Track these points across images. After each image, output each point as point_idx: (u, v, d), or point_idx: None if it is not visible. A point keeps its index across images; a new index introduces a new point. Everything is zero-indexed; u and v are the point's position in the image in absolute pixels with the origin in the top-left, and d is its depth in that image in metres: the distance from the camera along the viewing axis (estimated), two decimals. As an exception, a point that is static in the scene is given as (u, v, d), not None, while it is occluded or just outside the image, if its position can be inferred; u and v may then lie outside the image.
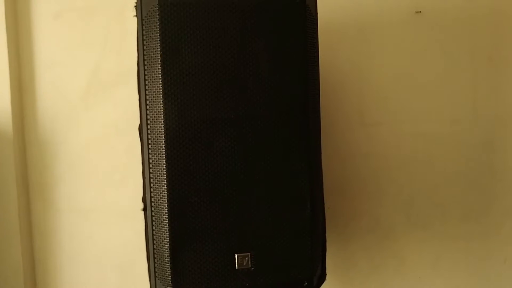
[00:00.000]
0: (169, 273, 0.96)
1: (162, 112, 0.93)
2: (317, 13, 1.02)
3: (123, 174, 1.36)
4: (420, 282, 1.44)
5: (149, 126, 0.96)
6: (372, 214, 1.42)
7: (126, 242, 1.38)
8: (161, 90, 0.93)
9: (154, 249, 0.98)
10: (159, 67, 0.93)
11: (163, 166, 0.94)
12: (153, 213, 0.97)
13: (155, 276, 0.99)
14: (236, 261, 0.97)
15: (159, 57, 0.93)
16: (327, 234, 1.11)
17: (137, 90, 1.00)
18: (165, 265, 0.96)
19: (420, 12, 1.38)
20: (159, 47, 0.93)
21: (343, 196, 1.40)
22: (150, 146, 0.96)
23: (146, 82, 0.95)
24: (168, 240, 0.95)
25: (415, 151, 1.41)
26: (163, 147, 0.94)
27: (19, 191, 1.32)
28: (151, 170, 0.96)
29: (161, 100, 0.93)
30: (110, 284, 1.39)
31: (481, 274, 1.46)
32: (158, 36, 0.93)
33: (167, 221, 0.95)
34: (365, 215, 1.42)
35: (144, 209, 1.01)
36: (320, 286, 1.06)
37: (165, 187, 0.94)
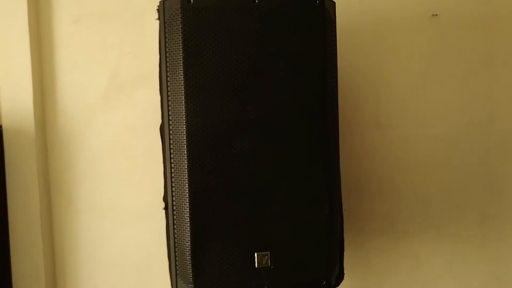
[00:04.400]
0: (190, 271, 0.97)
1: (184, 113, 0.95)
2: (335, 16, 1.03)
3: (141, 174, 1.38)
4: (435, 283, 1.45)
5: (171, 127, 0.97)
6: (388, 215, 1.42)
7: (144, 241, 1.39)
8: (183, 92, 0.95)
9: (175, 247, 1.00)
10: (181, 69, 0.95)
11: (184, 166, 0.96)
12: (174, 212, 0.98)
13: (176, 274, 1.00)
14: (256, 259, 0.98)
15: (181, 59, 0.95)
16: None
17: (158, 92, 1.02)
18: (186, 263, 0.98)
19: (436, 15, 1.39)
20: (181, 49, 0.95)
21: (359, 197, 1.41)
22: (171, 146, 0.98)
23: (168, 84, 0.97)
24: (189, 239, 0.97)
25: (430, 153, 1.41)
26: (185, 147, 0.95)
27: (41, 191, 1.34)
28: (172, 170, 0.98)
29: (183, 101, 0.95)
30: (128, 282, 1.41)
31: (496, 276, 1.46)
32: (181, 39, 0.94)
33: (188, 219, 0.96)
34: (381, 216, 1.42)
35: (165, 208, 1.02)
36: (338, 285, 1.07)
37: (187, 186, 0.96)
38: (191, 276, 0.97)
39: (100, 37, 1.37)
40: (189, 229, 0.96)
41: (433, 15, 1.39)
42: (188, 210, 0.96)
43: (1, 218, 1.32)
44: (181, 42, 0.95)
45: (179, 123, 0.96)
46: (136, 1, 1.36)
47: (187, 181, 0.96)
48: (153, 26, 1.00)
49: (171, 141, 0.98)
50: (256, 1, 0.96)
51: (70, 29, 1.37)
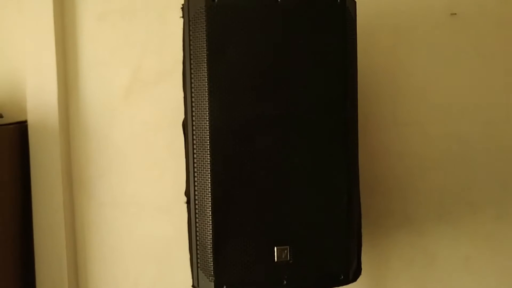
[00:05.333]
0: (211, 264, 0.99)
1: (207, 109, 0.97)
2: (356, 15, 1.04)
3: (162, 169, 1.40)
4: (451, 280, 1.45)
5: (194, 123, 0.99)
6: (405, 211, 1.43)
7: (164, 235, 1.41)
8: (206, 88, 0.97)
9: (197, 241, 1.01)
10: (205, 66, 0.97)
11: (207, 161, 0.98)
12: (196, 206, 1.00)
13: (198, 267, 1.02)
14: (275, 253, 1.00)
15: (205, 56, 0.96)
16: (360, 231, 1.13)
17: (179, 88, 1.04)
18: (208, 256, 0.99)
19: (455, 14, 1.39)
20: (205, 47, 0.96)
21: (376, 193, 1.42)
22: (194, 142, 0.99)
23: (192, 80, 0.99)
24: (210, 232, 0.98)
25: (447, 151, 1.42)
26: (208, 143, 0.97)
27: (64, 185, 1.36)
28: (195, 165, 1.00)
29: (207, 98, 0.97)
30: (148, 275, 1.43)
31: (512, 273, 1.47)
32: (205, 37, 0.96)
33: (210, 214, 0.98)
34: (397, 212, 1.43)
35: (188, 202, 1.04)
36: (356, 280, 1.08)
37: (209, 181, 0.98)
38: (212, 269, 0.99)
39: (124, 33, 1.39)
40: (210, 223, 0.98)
41: (452, 14, 1.39)
42: (210, 205, 0.98)
43: (25, 212, 1.34)
44: (205, 40, 0.96)
45: (203, 120, 0.98)
46: (160, -1, 1.38)
47: (209, 176, 0.97)
48: (176, 23, 1.02)
49: (194, 137, 0.99)
50: (279, 0, 0.98)
51: (94, 25, 1.39)
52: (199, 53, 0.97)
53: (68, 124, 1.39)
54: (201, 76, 0.97)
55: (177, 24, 1.02)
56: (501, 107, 1.42)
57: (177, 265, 1.39)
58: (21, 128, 1.33)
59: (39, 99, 1.34)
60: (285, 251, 1.00)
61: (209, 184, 0.98)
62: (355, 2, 1.04)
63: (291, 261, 1.01)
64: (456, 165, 1.43)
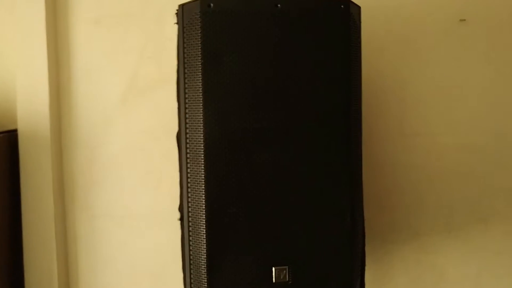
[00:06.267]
0: (206, 285, 0.94)
1: (201, 121, 0.92)
2: (360, 21, 1.00)
3: (158, 180, 1.37)
4: (460, 299, 1.41)
5: (188, 135, 0.95)
6: (411, 226, 1.39)
7: (160, 249, 1.37)
8: (201, 98, 0.92)
9: (190, 260, 0.97)
10: (200, 75, 0.92)
11: (201, 176, 0.93)
12: (190, 224, 0.96)
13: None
14: (274, 274, 0.95)
15: (200, 65, 0.92)
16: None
17: (175, 97, 1.00)
18: (202, 277, 0.95)
19: (464, 20, 1.35)
20: (200, 54, 0.92)
21: (381, 207, 1.38)
22: (188, 156, 0.95)
23: (186, 90, 0.94)
24: (205, 251, 0.94)
25: (457, 163, 1.38)
26: (202, 156, 0.93)
27: (55, 195, 1.33)
28: (189, 180, 0.95)
29: (201, 109, 0.92)
30: (142, 290, 1.40)
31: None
32: (199, 44, 0.92)
33: (204, 232, 0.93)
34: (404, 227, 1.39)
35: (181, 219, 1.00)
36: (359, 301, 1.04)
37: (203, 197, 0.93)
38: (206, 290, 0.95)
39: (119, 39, 1.35)
40: (205, 243, 0.93)
41: (461, 20, 1.35)
42: (204, 223, 0.93)
43: (15, 223, 1.31)
44: (200, 47, 0.92)
45: (197, 131, 0.93)
46: (157, 3, 1.34)
47: (203, 192, 0.93)
48: (174, 28, 0.98)
49: (188, 150, 0.95)
50: (279, 5, 0.93)
51: (89, 30, 1.35)
52: (194, 61, 0.93)
53: (60, 133, 1.36)
54: (196, 86, 0.93)
55: (175, 29, 0.98)
56: (513, 117, 1.37)
57: (172, 280, 1.35)
58: (10, 137, 1.30)
59: (30, 107, 1.30)
60: (284, 271, 0.96)
61: (204, 200, 0.93)
62: (360, 8, 1.00)
63: (290, 282, 0.96)
64: (465, 178, 1.38)
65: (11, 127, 1.32)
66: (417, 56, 1.36)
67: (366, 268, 1.08)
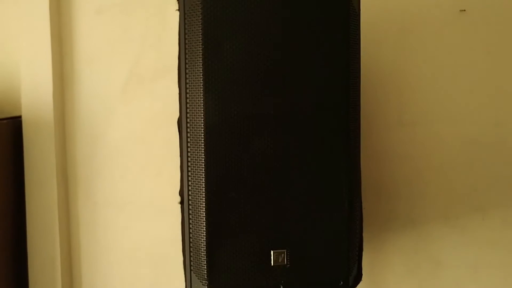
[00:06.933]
0: (205, 268, 0.96)
1: (202, 107, 0.93)
2: (360, 10, 1.00)
3: (159, 168, 1.37)
4: (457, 288, 1.41)
5: (188, 120, 0.96)
6: (409, 215, 1.39)
7: (161, 235, 1.38)
8: (202, 85, 0.93)
9: (190, 243, 0.98)
10: (201, 61, 0.93)
11: (201, 160, 0.94)
12: (190, 207, 0.97)
13: (191, 270, 0.99)
14: (272, 257, 0.96)
15: (201, 51, 0.93)
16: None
17: (177, 84, 1.01)
18: (201, 259, 0.96)
19: (464, 10, 1.34)
20: (201, 41, 0.93)
21: (379, 196, 1.38)
22: (189, 140, 0.96)
23: (187, 76, 0.95)
24: (204, 235, 0.95)
25: (455, 153, 1.37)
26: (202, 141, 0.94)
27: (59, 183, 1.34)
28: (189, 164, 0.96)
29: (202, 95, 0.93)
30: (143, 276, 1.41)
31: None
32: (200, 31, 0.92)
33: (204, 215, 0.95)
34: (401, 216, 1.39)
35: (181, 203, 1.01)
36: (356, 286, 1.05)
37: (203, 181, 0.94)
38: (205, 272, 0.96)
39: (122, 28, 1.36)
40: (204, 225, 0.95)
41: (461, 10, 1.35)
42: (204, 206, 0.95)
43: (18, 210, 1.32)
44: (201, 34, 0.93)
45: (197, 117, 0.94)
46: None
47: (203, 176, 0.94)
48: (176, 17, 0.98)
49: (189, 135, 0.96)
50: (279, -7, 0.94)
51: (92, 20, 1.36)
52: (195, 48, 0.94)
53: (64, 120, 1.37)
54: (196, 72, 0.94)
55: (177, 18, 0.98)
56: (512, 108, 1.37)
57: (174, 267, 1.35)
58: (15, 124, 1.31)
59: (34, 94, 1.32)
60: (282, 255, 0.97)
61: (203, 184, 0.94)
62: (359, -3, 1.00)
63: (288, 266, 0.97)
64: (463, 167, 1.38)
65: (16, 114, 1.34)
66: (416, 47, 1.35)
67: (364, 255, 1.09)
